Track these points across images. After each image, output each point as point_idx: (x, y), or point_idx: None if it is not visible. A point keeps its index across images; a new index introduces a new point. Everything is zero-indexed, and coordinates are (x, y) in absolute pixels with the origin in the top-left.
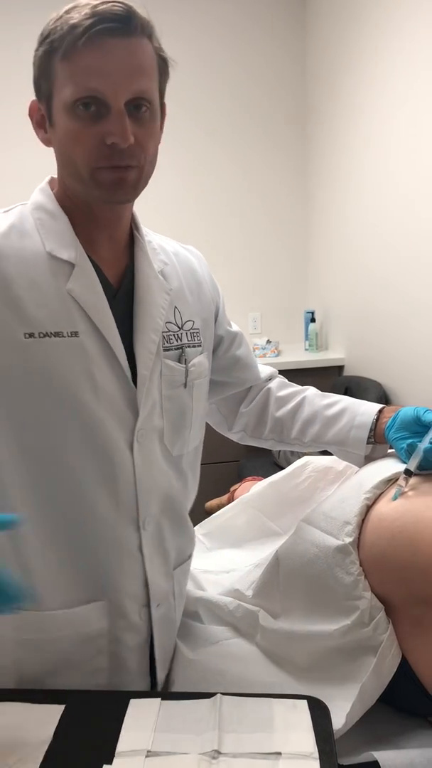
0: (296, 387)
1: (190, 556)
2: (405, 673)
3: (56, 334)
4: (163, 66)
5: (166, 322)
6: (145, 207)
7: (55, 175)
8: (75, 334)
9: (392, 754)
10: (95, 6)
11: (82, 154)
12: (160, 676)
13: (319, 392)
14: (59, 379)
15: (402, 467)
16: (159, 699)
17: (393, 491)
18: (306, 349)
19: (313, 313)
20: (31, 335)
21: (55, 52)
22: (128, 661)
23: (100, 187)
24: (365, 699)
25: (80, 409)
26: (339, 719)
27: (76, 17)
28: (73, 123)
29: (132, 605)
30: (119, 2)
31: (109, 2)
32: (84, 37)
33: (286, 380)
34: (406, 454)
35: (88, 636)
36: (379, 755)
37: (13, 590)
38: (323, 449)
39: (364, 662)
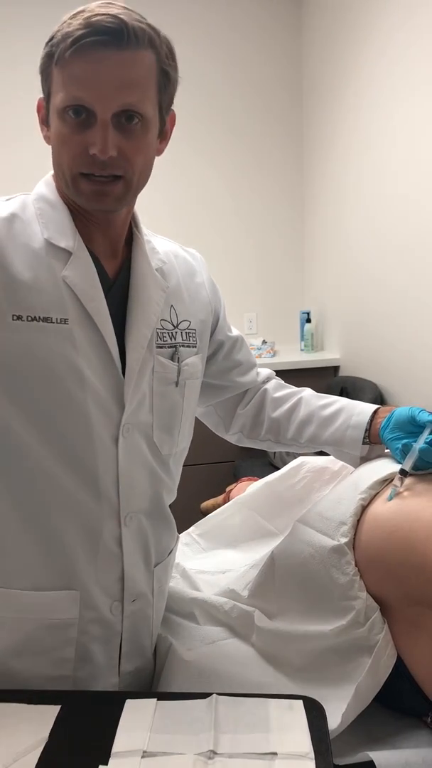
0: (292, 388)
1: (171, 552)
2: (400, 673)
3: (45, 320)
4: (163, 79)
5: (161, 320)
6: (142, 209)
7: None
8: (64, 321)
9: (387, 754)
10: (89, 17)
11: (67, 158)
12: (124, 667)
13: (315, 393)
14: (44, 365)
15: (397, 467)
16: (155, 699)
17: (388, 491)
18: (302, 350)
19: (308, 314)
20: (19, 318)
21: (53, 57)
22: (96, 654)
23: (80, 195)
24: (360, 699)
25: (64, 397)
26: (334, 719)
27: (73, 25)
28: (63, 127)
29: (104, 599)
30: (113, 15)
31: (103, 14)
32: (73, 47)
33: (282, 381)
34: (401, 455)
35: (56, 623)
36: (375, 755)
37: None
38: (320, 450)
39: (359, 662)
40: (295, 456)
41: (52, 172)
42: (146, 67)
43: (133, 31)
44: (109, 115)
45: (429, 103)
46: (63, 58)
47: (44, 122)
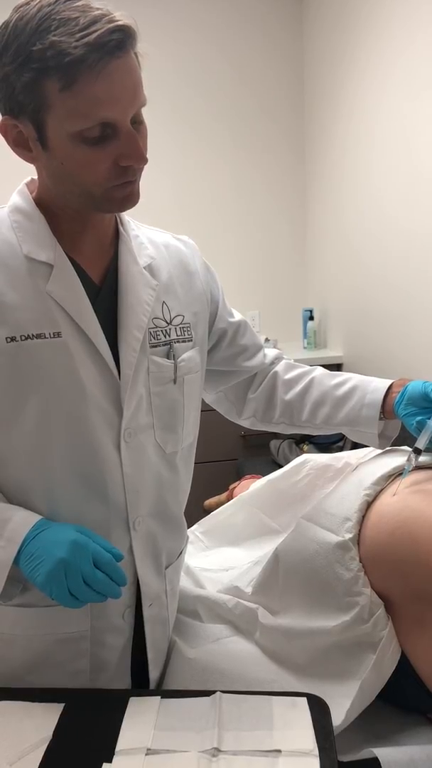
0: (303, 368)
1: (181, 553)
2: (404, 670)
3: (38, 336)
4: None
5: (153, 318)
6: (147, 209)
7: (34, 177)
8: (58, 334)
9: (392, 751)
10: (87, 30)
11: (94, 176)
12: (153, 675)
13: (328, 372)
14: (44, 381)
15: (403, 461)
16: (159, 697)
17: (393, 487)
18: (304, 348)
19: (311, 312)
20: (13, 339)
21: (48, 79)
22: (109, 662)
23: (111, 202)
24: (365, 696)
25: (67, 409)
26: (338, 716)
27: (69, 42)
28: (83, 151)
29: (116, 606)
30: (114, 22)
31: (101, 23)
32: (87, 69)
33: (292, 361)
34: (417, 431)
35: (68, 637)
36: (379, 752)
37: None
38: (336, 431)
39: (363, 659)
40: (298, 453)
41: (26, 180)
42: (135, 60)
43: (132, 31)
44: (129, 123)
45: (430, 99)
46: (75, 81)
47: (21, 144)
